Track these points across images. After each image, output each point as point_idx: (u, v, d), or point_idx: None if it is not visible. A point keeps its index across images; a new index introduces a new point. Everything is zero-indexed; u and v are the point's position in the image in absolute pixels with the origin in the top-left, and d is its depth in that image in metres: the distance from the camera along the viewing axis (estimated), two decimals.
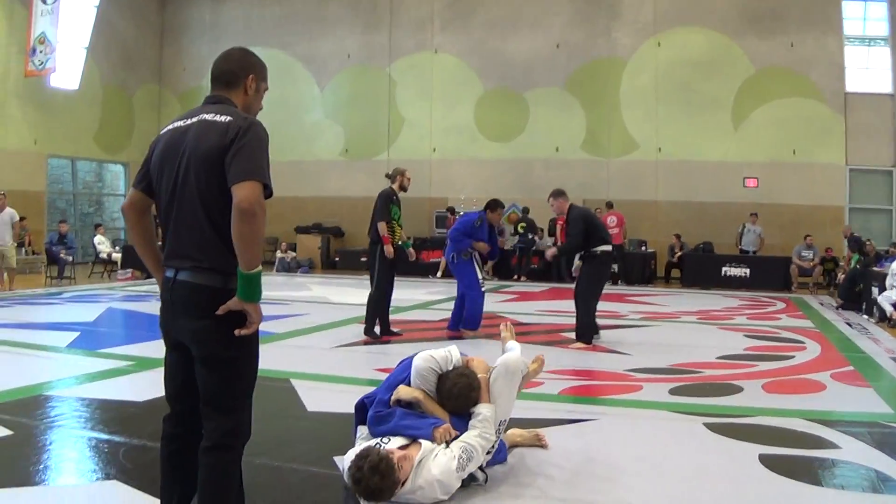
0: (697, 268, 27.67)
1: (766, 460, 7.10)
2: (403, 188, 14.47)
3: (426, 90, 33.02)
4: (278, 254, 31.51)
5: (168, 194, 4.64)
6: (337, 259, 31.74)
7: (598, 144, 30.78)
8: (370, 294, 14.18)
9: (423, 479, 5.90)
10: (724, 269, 26.94)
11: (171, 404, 4.89)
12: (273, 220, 32.87)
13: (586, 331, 13.55)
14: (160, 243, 4.84)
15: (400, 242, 14.26)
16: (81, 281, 25.19)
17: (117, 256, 27.34)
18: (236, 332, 4.44)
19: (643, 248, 29.02)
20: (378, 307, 14.15)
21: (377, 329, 14.12)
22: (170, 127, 4.80)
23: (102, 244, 27.98)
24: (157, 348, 11.29)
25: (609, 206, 28.18)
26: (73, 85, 31.84)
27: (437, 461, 6.00)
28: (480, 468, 6.37)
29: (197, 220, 4.50)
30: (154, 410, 5.15)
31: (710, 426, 8.28)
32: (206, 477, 4.57)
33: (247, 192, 4.28)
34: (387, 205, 14.05)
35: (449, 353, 6.81)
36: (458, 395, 6.50)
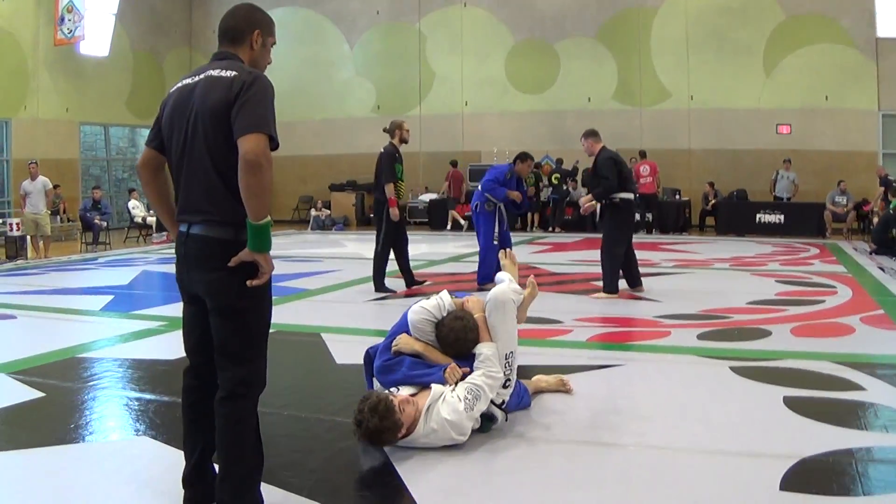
0: (731, 215, 27.49)
1: (790, 402, 7.10)
2: (404, 141, 14.24)
3: (456, 44, 32.91)
4: (313, 212, 31.58)
5: (178, 151, 4.69)
6: (371, 215, 31.63)
7: (630, 94, 30.64)
8: (375, 251, 14.09)
9: (435, 422, 5.95)
10: (758, 216, 26.71)
11: (189, 357, 4.97)
12: (307, 179, 33.06)
13: (611, 280, 13.36)
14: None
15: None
16: (117, 246, 25.32)
17: (152, 220, 27.35)
18: (249, 282, 4.49)
19: (677, 197, 28.81)
20: (384, 263, 14.10)
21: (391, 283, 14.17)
22: (178, 85, 4.84)
23: (137, 209, 28.06)
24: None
25: (642, 155, 28.04)
26: (104, 52, 31.84)
27: (446, 403, 6.04)
28: (500, 407, 6.43)
29: (206, 174, 4.55)
30: (180, 368, 5.32)
31: (736, 370, 8.29)
32: (223, 426, 4.65)
33: (252, 144, 4.31)
34: (391, 164, 13.89)
35: (440, 300, 6.83)
36: (456, 339, 6.52)
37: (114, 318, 12.24)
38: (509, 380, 6.49)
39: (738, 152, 29.18)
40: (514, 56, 32.12)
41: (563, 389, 7.56)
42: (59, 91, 30.30)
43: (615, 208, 13.49)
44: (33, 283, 16.59)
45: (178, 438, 5.21)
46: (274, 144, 4.44)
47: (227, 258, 4.50)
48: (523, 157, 14.74)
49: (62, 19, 29.29)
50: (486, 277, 14.11)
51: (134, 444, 6.39)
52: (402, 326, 6.90)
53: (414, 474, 5.58)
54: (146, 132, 29.28)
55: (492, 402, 6.34)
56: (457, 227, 30.02)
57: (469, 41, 32.71)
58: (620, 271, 13.54)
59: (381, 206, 13.91)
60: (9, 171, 28.93)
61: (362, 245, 14.32)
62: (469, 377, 6.27)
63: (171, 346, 9.43)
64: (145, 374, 8.77)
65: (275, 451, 5.69)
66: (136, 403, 7.60)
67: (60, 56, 30.29)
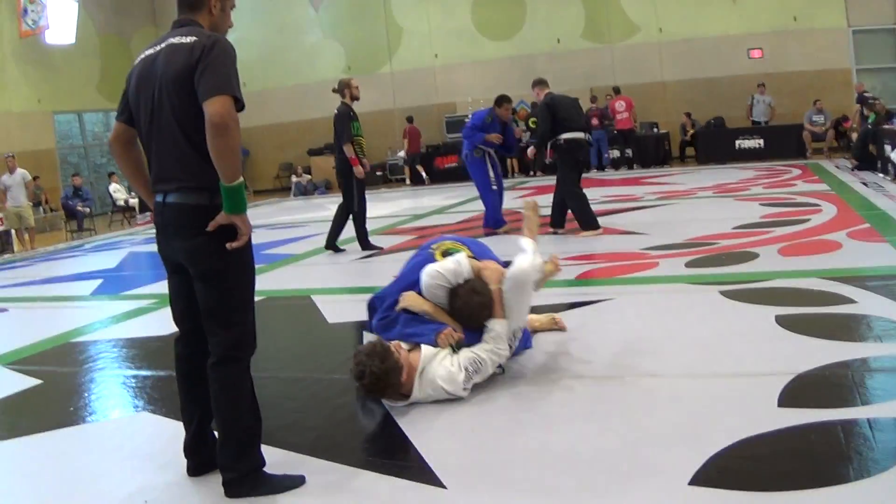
0: (711, 143, 27.49)
1: (782, 320, 7.14)
2: (355, 98, 14.10)
3: None
4: (294, 178, 31.59)
5: (146, 121, 4.70)
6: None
7: (599, 32, 30.50)
8: (353, 213, 14.02)
9: (431, 387, 5.93)
10: (737, 142, 26.74)
11: (178, 326, 5.01)
12: (285, 146, 33.03)
13: (586, 218, 13.42)
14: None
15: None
16: (102, 231, 25.29)
17: (134, 202, 27.32)
18: (228, 245, 4.51)
19: (655, 130, 28.78)
20: (364, 221, 14.11)
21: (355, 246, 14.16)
22: (142, 56, 4.83)
23: (118, 192, 27.95)
24: None
25: (616, 91, 28.05)
26: (70, 39, 31.45)
27: (444, 367, 5.98)
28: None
29: (176, 142, 4.57)
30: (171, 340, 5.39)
31: (726, 293, 8.33)
32: (217, 391, 4.69)
33: (217, 106, 4.31)
34: (346, 124, 13.76)
35: (459, 266, 6.50)
36: (470, 315, 6.34)
37: (105, 300, 12.27)
38: (511, 346, 6.44)
39: (711, 80, 29.08)
40: (479, 4, 31.90)
41: (557, 327, 7.58)
42: (30, 82, 30.14)
43: (561, 150, 13.51)
44: (22, 275, 16.61)
45: (177, 411, 5.24)
46: (239, 105, 4.43)
47: (205, 223, 4.50)
48: (499, 100, 14.71)
49: (25, 11, 29.12)
50: (492, 222, 14.39)
51: (134, 420, 6.44)
52: (408, 279, 6.75)
53: (414, 424, 5.61)
54: None
55: None
56: (419, 181, 30.15)
57: None
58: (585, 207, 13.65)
59: (346, 166, 13.84)
60: None
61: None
62: (475, 347, 6.17)
63: (164, 323, 9.40)
64: (140, 351, 8.81)
65: (273, 412, 5.73)
66: (134, 381, 7.64)
67: (27, 47, 30.11)
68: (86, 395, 7.41)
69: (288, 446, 5.38)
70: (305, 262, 13.79)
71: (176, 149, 4.58)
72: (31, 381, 7.82)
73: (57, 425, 6.37)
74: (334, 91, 14.41)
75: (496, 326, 6.26)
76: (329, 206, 24.22)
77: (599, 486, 4.44)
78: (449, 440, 5.33)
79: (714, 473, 4.38)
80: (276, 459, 5.06)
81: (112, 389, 7.50)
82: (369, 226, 14.20)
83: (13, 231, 22.07)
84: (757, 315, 7.46)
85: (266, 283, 11.74)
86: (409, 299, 6.52)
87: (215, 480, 4.82)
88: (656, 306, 8.37)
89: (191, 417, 4.97)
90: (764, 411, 5.13)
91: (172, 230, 4.68)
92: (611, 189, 20.61)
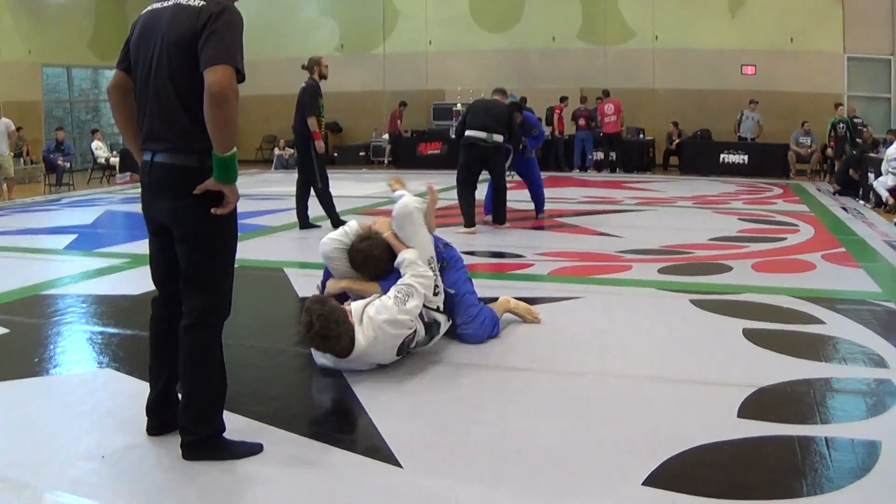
0: (696, 155, 27.49)
1: (749, 334, 7.20)
2: (324, 76, 14.26)
3: None
4: (276, 151, 31.48)
5: (143, 77, 4.68)
6: (335, 154, 31.40)
7: (595, 33, 30.45)
8: (319, 191, 14.02)
9: (372, 328, 5.98)
10: (722, 155, 26.72)
11: (157, 287, 5.06)
12: (271, 119, 32.89)
13: (466, 216, 13.88)
14: None
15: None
16: (80, 187, 25.06)
17: (115, 161, 27.13)
18: (213, 210, 4.52)
19: (641, 136, 28.84)
20: (329, 197, 14.10)
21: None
22: (149, 8, 4.80)
23: (100, 149, 27.74)
24: (146, 246, 11.47)
25: (605, 94, 27.88)
26: None
27: (374, 307, 6.09)
28: (440, 310, 6.55)
29: (170, 104, 4.55)
30: (147, 302, 5.32)
31: (696, 302, 8.39)
32: (187, 353, 4.71)
33: (218, 76, 4.30)
34: (315, 98, 13.83)
35: (347, 227, 6.95)
36: (365, 258, 6.62)
37: (77, 256, 12.20)
38: (437, 286, 6.55)
39: (702, 92, 29.08)
40: None
41: (530, 318, 7.62)
42: (21, 33, 29.88)
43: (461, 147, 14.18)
44: None
45: (141, 369, 5.25)
46: (240, 77, 4.43)
47: (193, 186, 4.50)
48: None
49: None
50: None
51: (97, 375, 6.43)
52: (327, 271, 7.04)
53: (373, 399, 5.66)
54: (109, 74, 28.87)
55: (427, 306, 6.38)
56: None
57: None
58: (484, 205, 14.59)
59: (306, 141, 13.83)
60: None
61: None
62: (398, 281, 6.35)
63: (135, 282, 9.45)
64: (109, 308, 8.79)
65: (237, 380, 5.71)
66: (100, 337, 7.61)
67: None
68: (51, 347, 7.40)
69: (250, 414, 5.42)
70: (280, 234, 13.81)
71: (169, 110, 4.56)
72: None
73: (20, 375, 6.36)
74: (303, 67, 14.47)
75: (406, 255, 6.53)
76: None
77: (554, 480, 4.47)
78: (408, 421, 5.35)
79: (668, 476, 4.43)
80: (237, 426, 5.08)
81: (77, 344, 7.48)
82: (345, 205, 14.17)
83: None
84: (725, 326, 7.52)
85: (241, 252, 11.67)
86: (329, 287, 6.81)
87: (174, 441, 4.83)
88: (626, 308, 8.40)
89: (158, 377, 4.99)
90: (723, 420, 5.18)
91: (159, 189, 4.68)
92: (591, 190, 20.66)
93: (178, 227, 4.66)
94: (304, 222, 14.14)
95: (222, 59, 4.34)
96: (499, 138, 13.82)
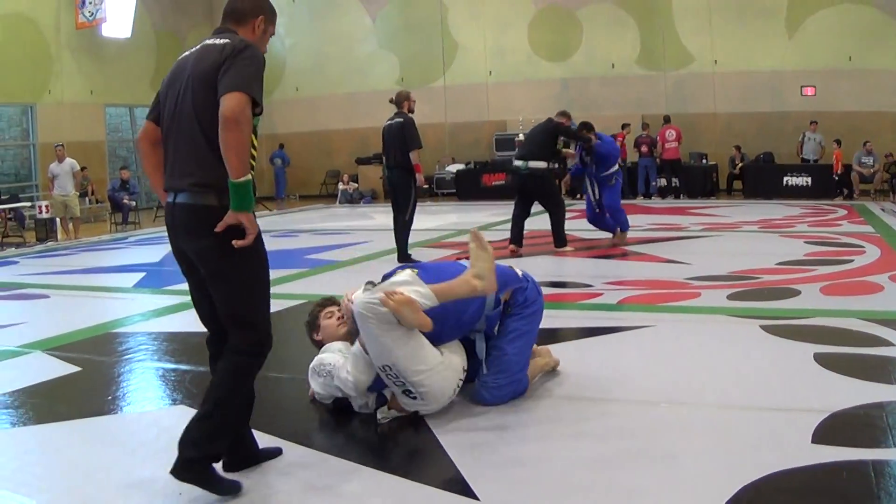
0: (759, 178, 27.41)
1: (820, 359, 7.17)
2: (411, 111, 14.32)
3: (478, 13, 32.72)
4: (340, 186, 31.67)
5: (168, 115, 4.83)
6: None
7: (654, 59, 30.50)
8: (403, 221, 14.16)
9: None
10: (785, 178, 26.66)
11: (206, 326, 5.13)
12: (333, 153, 33.16)
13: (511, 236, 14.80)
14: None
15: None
16: (146, 225, 25.35)
17: None
18: (234, 243, 4.56)
19: (703, 161, 28.81)
20: (409, 231, 14.28)
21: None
22: (179, 58, 4.99)
23: None
24: None
25: (666, 120, 27.90)
26: (126, 33, 31.56)
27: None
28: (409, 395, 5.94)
29: (193, 136, 4.68)
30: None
31: (766, 328, 8.35)
32: (224, 372, 4.80)
33: (232, 102, 4.43)
34: (417, 132, 13.99)
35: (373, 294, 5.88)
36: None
37: (146, 294, 12.39)
38: (409, 391, 5.84)
39: (763, 115, 29.00)
40: (536, 24, 31.93)
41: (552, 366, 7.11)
42: (83, 74, 30.33)
43: None
44: (64, 263, 16.73)
45: None
46: (258, 109, 4.56)
47: (213, 224, 4.58)
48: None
49: (83, 2, 29.31)
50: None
51: (171, 412, 6.51)
52: None
53: (445, 431, 5.70)
54: None
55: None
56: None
57: (490, 10, 32.50)
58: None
59: (408, 174, 13.96)
60: (36, 155, 29.12)
61: (391, 217, 14.49)
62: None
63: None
64: (180, 346, 8.91)
65: (305, 415, 5.81)
66: (172, 374, 7.74)
67: (83, 39, 30.26)
68: (124, 384, 7.55)
69: (318, 447, 5.56)
70: (348, 268, 13.89)
71: (192, 143, 4.69)
72: (70, 368, 7.94)
73: (93, 413, 6.46)
74: (391, 101, 14.52)
75: (354, 347, 5.97)
76: (373, 215, 24.44)
77: None
78: (483, 453, 5.38)
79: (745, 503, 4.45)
80: (307, 459, 5.27)
81: (150, 381, 7.62)
82: (412, 238, 14.31)
83: (58, 219, 22.34)
84: (796, 351, 7.49)
85: (307, 287, 11.96)
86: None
87: (253, 477, 4.95)
88: (696, 336, 8.40)
89: None
90: (798, 446, 5.18)
91: (182, 230, 4.77)
92: (656, 217, 20.65)
93: (204, 266, 4.76)
94: (405, 254, 14.25)
95: (239, 87, 4.48)
96: (536, 165, 14.16)
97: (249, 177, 4.53)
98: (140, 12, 32.04)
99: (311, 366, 6.16)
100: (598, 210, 15.49)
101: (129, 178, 26.81)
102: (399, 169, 14.03)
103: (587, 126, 15.30)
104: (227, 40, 4.70)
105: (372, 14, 34.02)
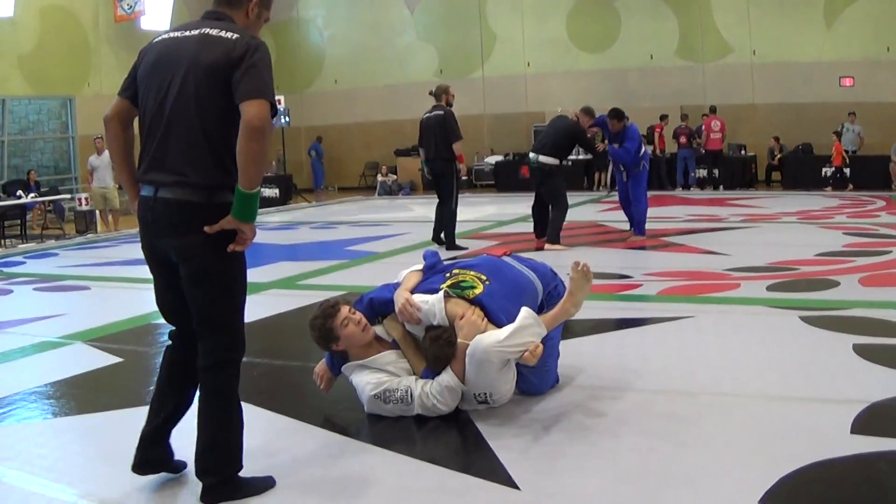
0: (798, 169, 27.41)
1: (860, 349, 7.18)
2: (450, 104, 14.65)
3: (517, 5, 32.77)
4: (379, 177, 31.75)
5: (156, 105, 4.57)
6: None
7: (692, 50, 30.43)
8: (449, 210, 14.53)
9: (356, 377, 5.94)
10: (824, 169, 26.56)
11: (170, 322, 4.97)
12: (372, 145, 33.21)
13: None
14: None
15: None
16: None
17: None
18: (229, 247, 4.46)
19: (742, 152, 28.74)
20: (455, 219, 14.66)
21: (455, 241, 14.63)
22: (163, 37, 4.75)
23: None
24: (263, 273, 11.71)
25: (712, 110, 27.84)
26: (164, 26, 31.25)
27: (361, 376, 5.94)
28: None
29: (191, 133, 4.45)
30: (257, 330, 5.32)
31: (805, 319, 8.37)
32: (208, 395, 4.65)
33: (257, 110, 4.28)
34: (457, 123, 14.33)
35: (432, 308, 5.95)
36: (437, 359, 5.84)
37: None
38: (487, 402, 5.88)
39: (802, 106, 28.85)
40: (574, 15, 31.93)
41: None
42: (122, 66, 30.17)
43: None
44: (105, 255, 16.86)
45: (254, 397, 5.37)
46: (273, 112, 4.42)
47: (200, 221, 4.42)
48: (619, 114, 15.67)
49: None
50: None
51: None
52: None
53: (486, 422, 5.73)
54: None
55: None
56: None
57: (529, 1, 32.55)
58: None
59: (451, 164, 14.31)
60: (75, 148, 29.42)
61: (430, 208, 14.59)
62: (418, 382, 5.88)
63: (248, 310, 9.63)
64: None
65: (351, 404, 5.86)
66: None
67: (121, 32, 30.49)
68: None
69: (362, 437, 5.63)
70: (388, 260, 13.89)
71: (188, 140, 4.47)
72: (112, 359, 8.03)
73: (134, 403, 6.43)
74: (431, 94, 14.86)
75: (444, 377, 5.77)
76: (412, 206, 24.46)
77: (670, 500, 4.54)
78: (524, 443, 5.42)
79: (784, 494, 4.48)
80: (350, 448, 5.35)
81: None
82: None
83: (98, 212, 22.59)
84: (835, 342, 7.50)
85: (348, 278, 12.04)
86: (387, 321, 6.23)
87: (281, 464, 5.00)
88: (736, 327, 8.41)
89: (159, 410, 4.91)
90: (837, 437, 5.21)
91: (164, 227, 4.55)
92: (695, 208, 20.70)
93: (187, 264, 4.54)
94: (452, 243, 14.56)
95: (263, 93, 4.33)
96: (546, 159, 14.32)
97: (259, 189, 4.43)
98: (178, 5, 32.09)
99: (367, 393, 5.84)
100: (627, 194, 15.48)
101: None
102: (440, 160, 14.31)
103: (588, 111, 15.21)
104: (235, 35, 4.49)
105: (411, 6, 34.00)
